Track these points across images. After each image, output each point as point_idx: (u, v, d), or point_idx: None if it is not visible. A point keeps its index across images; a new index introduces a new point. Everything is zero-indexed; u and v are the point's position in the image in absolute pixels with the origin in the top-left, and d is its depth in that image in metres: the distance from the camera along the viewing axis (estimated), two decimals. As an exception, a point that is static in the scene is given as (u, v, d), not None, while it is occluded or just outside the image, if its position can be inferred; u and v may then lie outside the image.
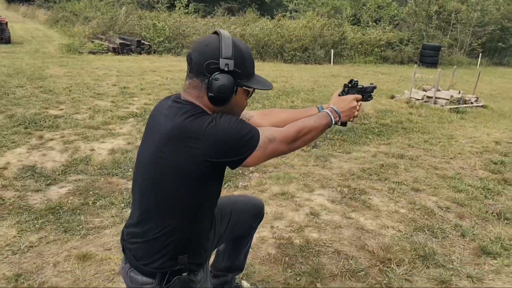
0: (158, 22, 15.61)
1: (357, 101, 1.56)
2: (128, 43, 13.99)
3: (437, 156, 4.84)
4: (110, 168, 3.85)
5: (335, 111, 1.50)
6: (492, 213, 3.38)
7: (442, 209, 3.42)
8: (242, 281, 2.26)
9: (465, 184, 3.98)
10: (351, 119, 1.57)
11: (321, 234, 2.89)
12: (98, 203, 3.18)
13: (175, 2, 20.04)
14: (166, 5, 20.85)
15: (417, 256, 2.66)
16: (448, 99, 7.79)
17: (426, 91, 8.27)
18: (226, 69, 1.23)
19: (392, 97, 8.58)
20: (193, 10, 20.28)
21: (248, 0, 33.72)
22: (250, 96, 1.39)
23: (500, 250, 2.78)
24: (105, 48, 13.68)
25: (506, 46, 21.50)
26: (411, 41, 17.89)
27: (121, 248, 1.48)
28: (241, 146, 1.24)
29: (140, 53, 14.01)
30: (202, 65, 1.25)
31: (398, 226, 3.08)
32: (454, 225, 3.14)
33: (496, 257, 2.71)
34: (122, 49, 13.53)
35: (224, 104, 1.28)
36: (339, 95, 1.58)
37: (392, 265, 2.55)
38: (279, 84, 9.49)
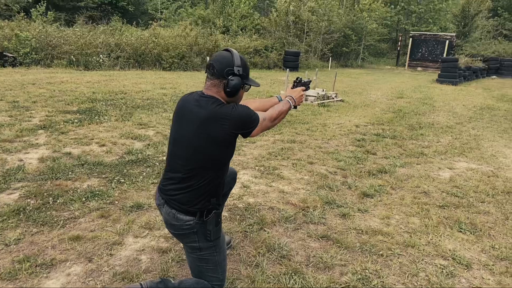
0: (21, 32, 14.59)
1: (303, 91, 2.51)
2: (-11, 55, 12.85)
3: (318, 139, 6.18)
4: (49, 174, 4.13)
5: (293, 98, 2.42)
6: (364, 172, 4.72)
7: (332, 173, 4.64)
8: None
9: (342, 156, 5.32)
10: (300, 103, 2.51)
11: (256, 198, 3.80)
12: (58, 201, 3.54)
13: (31, 10, 18.72)
14: (17, 12, 19.28)
15: (324, 203, 3.76)
16: (315, 96, 9.46)
17: (298, 90, 9.83)
18: (238, 73, 2.02)
19: (270, 96, 9.94)
20: (52, 18, 19.16)
21: (110, 8, 32.73)
22: (247, 91, 2.21)
23: (374, 192, 4.07)
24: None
25: (349, 50, 25.50)
26: (274, 48, 20.06)
27: (163, 201, 2.13)
28: (251, 122, 2.05)
29: (4, 66, 13.02)
30: (223, 70, 2.01)
31: (306, 187, 4.17)
32: (342, 182, 4.36)
33: (373, 197, 3.98)
34: (-17, 62, 12.40)
35: (235, 95, 2.08)
36: (292, 88, 2.51)
37: (310, 210, 3.59)
38: (169, 90, 10.11)
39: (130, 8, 33.87)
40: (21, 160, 4.48)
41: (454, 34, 27.46)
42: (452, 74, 16.78)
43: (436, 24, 32.65)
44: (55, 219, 3.20)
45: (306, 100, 9.45)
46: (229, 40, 18.87)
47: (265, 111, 2.50)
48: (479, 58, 22.64)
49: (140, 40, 15.36)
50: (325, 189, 4.13)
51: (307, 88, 2.59)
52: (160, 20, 23.22)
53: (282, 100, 2.50)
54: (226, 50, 2.11)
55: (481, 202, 3.99)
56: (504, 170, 5.08)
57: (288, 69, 11.14)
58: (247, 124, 2.05)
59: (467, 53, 22.84)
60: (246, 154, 5.18)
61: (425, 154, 5.68)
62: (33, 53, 14.20)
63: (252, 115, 2.06)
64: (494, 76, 23.44)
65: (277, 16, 21.20)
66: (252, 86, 2.22)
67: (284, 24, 21.28)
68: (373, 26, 26.31)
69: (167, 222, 2.13)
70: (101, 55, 14.69)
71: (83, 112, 6.94)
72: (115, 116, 6.80)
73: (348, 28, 24.43)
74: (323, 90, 10.01)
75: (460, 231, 3.33)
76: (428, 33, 28.50)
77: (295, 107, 2.47)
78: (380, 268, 2.71)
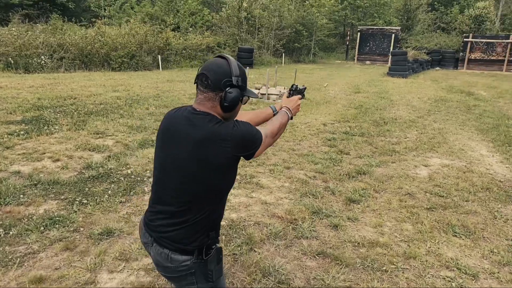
0: None
1: (299, 99, 2.23)
2: None
3: (290, 140, 5.96)
4: (-4, 199, 3.58)
5: (289, 109, 2.13)
6: (343, 175, 4.56)
7: (311, 178, 4.43)
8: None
9: (317, 158, 5.13)
10: (296, 113, 2.24)
11: (238, 213, 3.49)
12: (11, 232, 3.03)
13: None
14: None
15: (312, 213, 3.53)
16: (278, 94, 9.26)
17: (259, 89, 9.59)
18: (237, 83, 1.70)
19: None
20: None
21: (48, 6, 30.73)
22: (245, 103, 1.89)
23: (359, 198, 3.90)
24: None
25: (301, 46, 25.64)
26: (227, 44, 19.69)
27: (151, 239, 1.78)
28: (255, 142, 1.74)
29: None
30: (220, 82, 1.66)
31: (288, 196, 3.92)
32: (324, 188, 4.16)
33: (359, 203, 3.80)
34: None
35: (233, 110, 1.76)
36: (288, 97, 2.22)
37: (299, 222, 3.34)
38: (122, 93, 9.49)
39: (70, 5, 32.01)
40: (-40, 184, 3.87)
41: (399, 28, 28.45)
42: (402, 67, 17.28)
43: (381, 18, 33.68)
44: (10, 257, 2.72)
45: (268, 99, 9.22)
46: (180, 38, 18.23)
47: (258, 124, 2.21)
48: (424, 51, 23.59)
49: (85, 39, 14.39)
50: (309, 197, 3.91)
51: (303, 96, 2.32)
52: (104, 18, 22.04)
53: (276, 110, 2.22)
54: (221, 57, 1.78)
55: (465, 201, 3.94)
56: (476, 165, 5.12)
57: (248, 67, 10.86)
58: (251, 144, 1.75)
59: (413, 46, 23.70)
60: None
61: (396, 151, 5.63)
62: (-37, 56, 12.89)
63: (255, 133, 1.76)
64: (437, 68, 24.55)
65: (228, 12, 20.81)
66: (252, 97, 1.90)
67: (237, 20, 20.95)
68: (323, 22, 26.64)
69: (158, 264, 1.79)
70: (42, 56, 13.60)
71: (29, 122, 6.25)
72: (67, 125, 6.18)
73: (299, 24, 24.53)
74: (284, 88, 9.83)
75: (455, 235, 3.23)
76: (375, 27, 29.31)
77: (291, 117, 2.20)
78: (388, 287, 2.51)
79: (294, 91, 2.26)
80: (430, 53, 24.91)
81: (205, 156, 1.66)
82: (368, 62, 27.82)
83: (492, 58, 24.18)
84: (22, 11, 26.85)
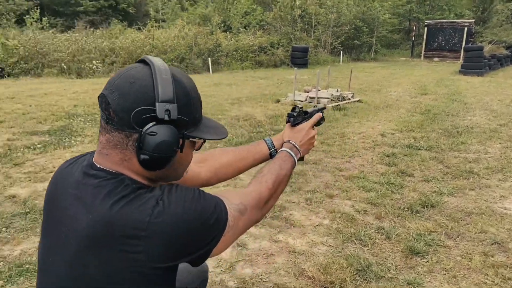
0: (8, 40, 13.62)
1: (313, 127, 1.31)
2: (-28, 67, 11.91)
3: (337, 156, 4.95)
4: (-27, 233, 3.00)
5: (295, 147, 1.22)
6: (404, 208, 3.49)
7: (360, 213, 3.41)
8: None
9: (371, 182, 4.09)
10: (308, 151, 1.31)
11: (254, 268, 2.60)
12: (-38, 287, 2.39)
13: (25, 17, 17.78)
14: (13, 20, 18.42)
15: (355, 272, 2.55)
16: (329, 98, 8.21)
17: (308, 92, 8.60)
18: (166, 117, 0.84)
19: (278, 101, 8.74)
20: (48, 25, 18.15)
21: (111, 12, 31.88)
22: (199, 149, 1.02)
23: (425, 248, 2.83)
24: None
25: (361, 43, 24.09)
26: (280, 44, 18.79)
27: None
28: (206, 235, 0.87)
29: (-10, 78, 12.03)
30: (129, 114, 0.82)
31: (327, 241, 2.95)
32: (376, 228, 3.14)
33: (425, 256, 2.74)
34: (-35, 75, 11.46)
35: (163, 167, 0.89)
36: (292, 125, 1.30)
37: (336, 287, 2.38)
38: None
39: (131, 10, 33.03)
40: None
41: (473, 20, 25.77)
42: (477, 64, 15.29)
43: (452, 10, 30.90)
44: None
45: (318, 103, 8.20)
46: (232, 38, 17.64)
47: (242, 171, 1.29)
48: (502, 45, 21.03)
49: (135, 42, 14.25)
50: (354, 243, 2.91)
51: (321, 121, 1.37)
52: (158, 22, 22.16)
53: (274, 148, 1.31)
54: (142, 61, 0.91)
55: None
56: None
57: (296, 67, 9.91)
58: (196, 240, 0.89)
59: (489, 40, 21.22)
60: (244, 186, 3.96)
61: (475, 172, 4.41)
62: (22, 62, 13.23)
63: (207, 215, 0.89)
64: (519, 64, 21.81)
65: (281, 10, 19.86)
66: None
67: (290, 18, 19.96)
68: (385, 17, 24.80)
69: None
70: (94, 61, 13.64)
71: (53, 133, 5.82)
72: (91, 136, 5.66)
73: (359, 20, 22.99)
74: (337, 90, 8.75)
75: None
76: (444, 21, 26.88)
77: (301, 158, 1.28)
78: None
79: (298, 116, 1.33)
80: (510, 47, 22.21)
81: (92, 269, 0.81)
82: (436, 59, 25.50)
83: None
84: (86, 18, 28.03)
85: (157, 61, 0.88)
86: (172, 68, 0.92)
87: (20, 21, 18.83)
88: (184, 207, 0.84)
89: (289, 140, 1.24)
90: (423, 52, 26.41)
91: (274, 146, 1.31)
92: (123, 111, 0.83)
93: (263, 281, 2.47)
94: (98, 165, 0.89)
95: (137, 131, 0.83)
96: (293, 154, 1.18)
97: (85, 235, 0.82)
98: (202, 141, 0.97)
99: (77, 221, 0.84)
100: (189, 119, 0.90)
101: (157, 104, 0.83)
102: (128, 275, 0.80)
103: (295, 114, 1.34)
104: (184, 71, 8.69)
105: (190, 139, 0.93)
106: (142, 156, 0.85)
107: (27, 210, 3.39)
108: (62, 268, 0.86)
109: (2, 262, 2.64)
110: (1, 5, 22.45)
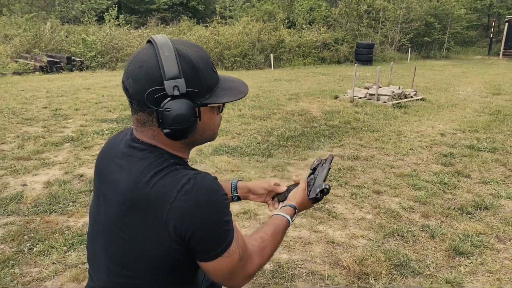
0: (88, 36, 14.79)
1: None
2: (57, 60, 13.08)
3: (390, 154, 4.85)
4: (46, 205, 3.39)
5: (295, 209, 1.26)
6: (454, 208, 3.37)
7: (407, 210, 3.35)
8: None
9: (422, 180, 3.97)
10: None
11: (291, 254, 2.68)
12: (35, 249, 2.74)
13: (104, 15, 19.14)
14: (95, 18, 19.89)
15: (393, 266, 2.54)
16: (389, 95, 7.99)
17: (368, 89, 8.43)
18: (176, 93, 0.92)
19: (336, 97, 8.66)
20: (124, 21, 19.39)
21: (181, 9, 33.19)
22: (219, 113, 1.11)
23: (471, 248, 2.74)
24: (32, 68, 12.66)
25: (431, 40, 22.89)
26: (345, 40, 18.45)
27: None
28: (219, 234, 0.95)
29: (72, 70, 13.15)
30: (143, 96, 0.92)
31: (367, 235, 2.95)
32: (421, 226, 3.07)
33: (469, 257, 2.65)
34: (51, 67, 12.62)
35: (187, 136, 1.00)
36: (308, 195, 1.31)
37: (370, 279, 2.40)
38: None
39: (200, 8, 34.16)
40: (25, 184, 3.82)
41: None
42: None
43: (538, 5, 28.31)
44: (15, 281, 2.38)
45: (378, 100, 8.01)
46: (295, 35, 17.64)
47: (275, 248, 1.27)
48: None
49: (201, 39, 14.79)
50: (396, 239, 2.89)
51: (324, 193, 1.34)
52: (225, 19, 22.72)
53: (237, 193, 1.43)
54: (149, 42, 0.99)
55: None
56: None
57: (357, 63, 9.72)
58: (212, 231, 0.95)
59: None
60: (291, 177, 4.05)
61: (542, 177, 4.11)
62: (99, 56, 14.30)
63: (224, 218, 0.97)
64: None
65: (346, 6, 19.44)
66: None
67: (356, 14, 19.49)
68: (460, 12, 23.30)
69: None
70: (162, 56, 14.37)
71: (121, 121, 6.31)
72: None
73: (430, 16, 21.82)
74: (399, 88, 8.47)
75: None
76: (528, 15, 24.71)
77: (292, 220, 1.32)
78: None
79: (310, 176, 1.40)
80: None
81: (129, 228, 0.98)
82: (517, 57, 23.52)
83: None
84: (158, 15, 29.46)
85: (159, 40, 0.95)
86: (177, 41, 0.98)
87: (100, 19, 20.27)
88: (210, 197, 0.93)
89: (295, 206, 1.27)
90: (502, 50, 24.48)
91: (237, 191, 1.40)
92: (139, 93, 0.94)
93: (299, 267, 2.55)
94: (138, 139, 1.02)
95: (156, 109, 0.94)
96: (286, 217, 1.21)
97: (126, 199, 0.95)
98: (221, 105, 1.06)
99: (120, 185, 0.98)
100: (200, 89, 0.97)
101: (165, 82, 0.91)
102: (155, 243, 0.92)
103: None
104: (247, 67, 8.92)
105: (208, 105, 1.01)
106: (165, 130, 0.95)
107: (91, 188, 3.75)
108: (109, 223, 1.02)
109: (67, 231, 2.97)
110: (84, 4, 24.30)
